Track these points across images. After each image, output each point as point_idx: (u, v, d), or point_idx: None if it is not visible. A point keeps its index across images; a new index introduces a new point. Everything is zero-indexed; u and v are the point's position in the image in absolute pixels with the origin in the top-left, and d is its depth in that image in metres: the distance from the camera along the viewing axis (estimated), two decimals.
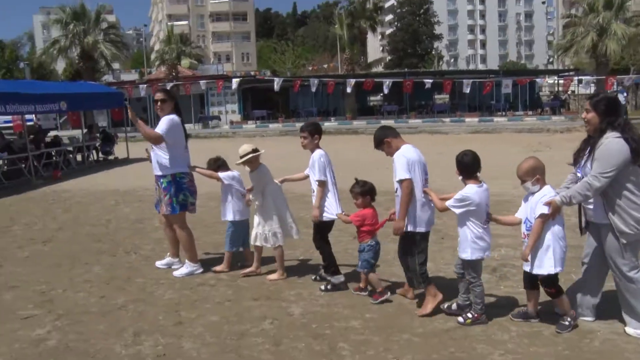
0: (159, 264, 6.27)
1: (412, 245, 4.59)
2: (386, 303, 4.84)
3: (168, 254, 6.28)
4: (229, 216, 5.98)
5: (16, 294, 5.53)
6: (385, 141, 4.67)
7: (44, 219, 9.52)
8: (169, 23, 66.22)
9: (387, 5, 78.74)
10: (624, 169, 3.88)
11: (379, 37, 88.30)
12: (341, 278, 5.28)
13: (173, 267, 6.11)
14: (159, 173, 5.86)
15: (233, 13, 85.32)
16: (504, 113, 35.84)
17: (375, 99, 50.38)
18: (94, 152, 19.33)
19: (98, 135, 19.72)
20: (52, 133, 21.70)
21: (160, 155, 5.81)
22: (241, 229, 6.01)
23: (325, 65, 60.39)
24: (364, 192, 4.97)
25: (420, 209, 4.53)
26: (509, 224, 4.70)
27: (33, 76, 46.82)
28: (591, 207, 4.13)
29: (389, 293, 4.97)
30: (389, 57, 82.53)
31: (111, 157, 19.56)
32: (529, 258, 4.14)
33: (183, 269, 5.97)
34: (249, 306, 4.94)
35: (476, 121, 31.01)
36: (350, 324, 4.48)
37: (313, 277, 5.58)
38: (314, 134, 5.35)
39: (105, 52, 35.99)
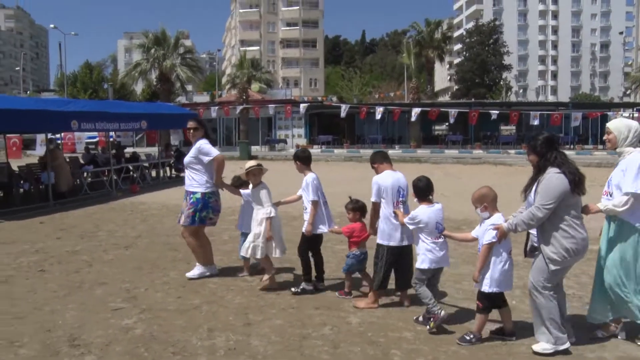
0: (190, 274, 6.83)
1: (378, 254, 5.47)
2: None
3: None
4: (245, 228, 6.62)
5: (105, 290, 6.23)
6: (373, 165, 5.64)
7: (124, 227, 10.37)
8: (241, 48, 68.80)
9: (455, 34, 78.71)
10: (564, 202, 4.28)
11: (447, 66, 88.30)
12: (310, 287, 6.07)
13: (206, 273, 6.76)
14: (191, 189, 6.68)
15: (303, 40, 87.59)
16: (572, 147, 35.10)
17: (440, 128, 50.35)
18: (167, 168, 20.49)
19: (173, 153, 20.88)
20: (128, 149, 23.11)
21: (194, 174, 6.68)
22: None
23: (392, 94, 60.87)
24: (355, 208, 5.83)
25: (390, 226, 5.35)
26: (462, 240, 5.31)
27: (115, 96, 49.84)
28: (534, 232, 4.54)
29: (351, 296, 5.85)
30: (456, 87, 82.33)
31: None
32: (479, 279, 4.59)
33: (195, 271, 6.76)
34: (310, 314, 5.40)
35: None
36: (403, 334, 4.85)
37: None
38: (303, 160, 6.13)
39: (181, 75, 37.98)
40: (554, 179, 4.27)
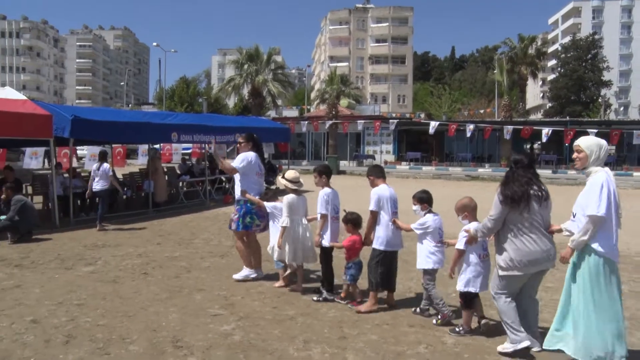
0: (236, 276, 7.30)
1: (374, 257, 5.92)
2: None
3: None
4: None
5: (204, 296, 6.48)
6: (369, 178, 6.11)
7: (219, 236, 10.74)
8: (330, 64, 69.72)
9: (550, 50, 75.77)
10: (510, 215, 4.61)
11: (540, 82, 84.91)
12: (332, 296, 6.32)
13: (251, 275, 7.25)
14: (237, 197, 7.21)
15: (392, 56, 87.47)
16: None
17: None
18: None
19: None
20: None
21: (237, 184, 7.17)
22: None
23: (482, 111, 59.40)
24: (349, 220, 6.19)
25: (386, 233, 5.86)
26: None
27: (209, 109, 51.98)
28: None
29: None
30: (549, 104, 79.04)
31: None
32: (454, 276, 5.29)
33: (241, 273, 7.29)
34: (405, 331, 5.34)
35: None
36: (501, 358, 4.68)
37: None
38: (322, 174, 6.52)
39: (272, 90, 39.07)
40: (496, 196, 4.69)
